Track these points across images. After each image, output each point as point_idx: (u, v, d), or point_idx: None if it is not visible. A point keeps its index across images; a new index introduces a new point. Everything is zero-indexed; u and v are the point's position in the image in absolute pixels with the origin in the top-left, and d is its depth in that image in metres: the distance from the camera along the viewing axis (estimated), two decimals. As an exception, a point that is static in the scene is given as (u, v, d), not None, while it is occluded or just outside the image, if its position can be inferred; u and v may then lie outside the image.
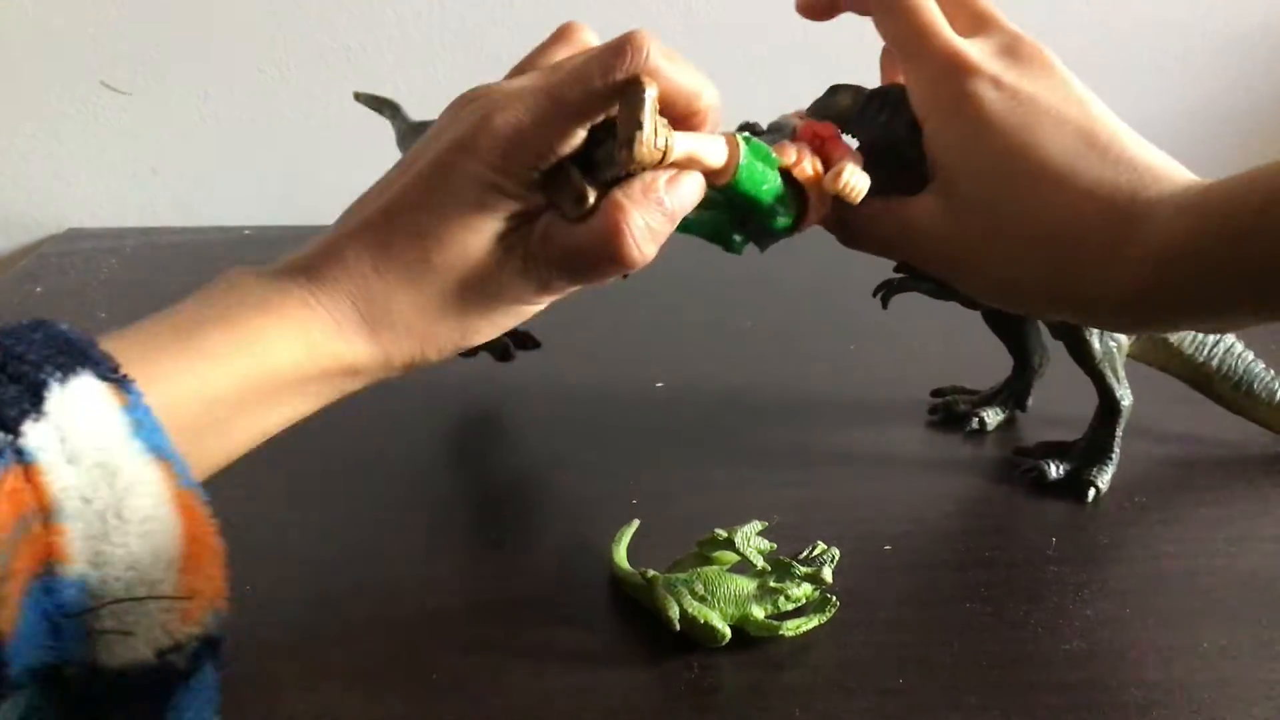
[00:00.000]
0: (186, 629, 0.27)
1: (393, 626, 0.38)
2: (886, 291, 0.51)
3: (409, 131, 0.56)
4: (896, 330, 0.63)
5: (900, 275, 0.50)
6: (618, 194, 0.33)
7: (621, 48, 0.33)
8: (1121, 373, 0.47)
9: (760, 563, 0.39)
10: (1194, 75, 0.90)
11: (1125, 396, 0.47)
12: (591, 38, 0.38)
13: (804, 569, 0.38)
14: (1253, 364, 0.50)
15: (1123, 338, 0.47)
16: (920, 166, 0.38)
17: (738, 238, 0.38)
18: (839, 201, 0.37)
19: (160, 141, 0.84)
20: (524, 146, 0.33)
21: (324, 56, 0.83)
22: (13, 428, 0.26)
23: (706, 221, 0.37)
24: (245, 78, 0.83)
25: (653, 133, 0.31)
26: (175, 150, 0.84)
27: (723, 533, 0.40)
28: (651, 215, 0.33)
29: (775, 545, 0.40)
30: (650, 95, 0.31)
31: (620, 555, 0.40)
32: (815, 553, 0.40)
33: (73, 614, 0.26)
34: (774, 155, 0.36)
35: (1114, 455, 0.47)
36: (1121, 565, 0.42)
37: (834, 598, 0.38)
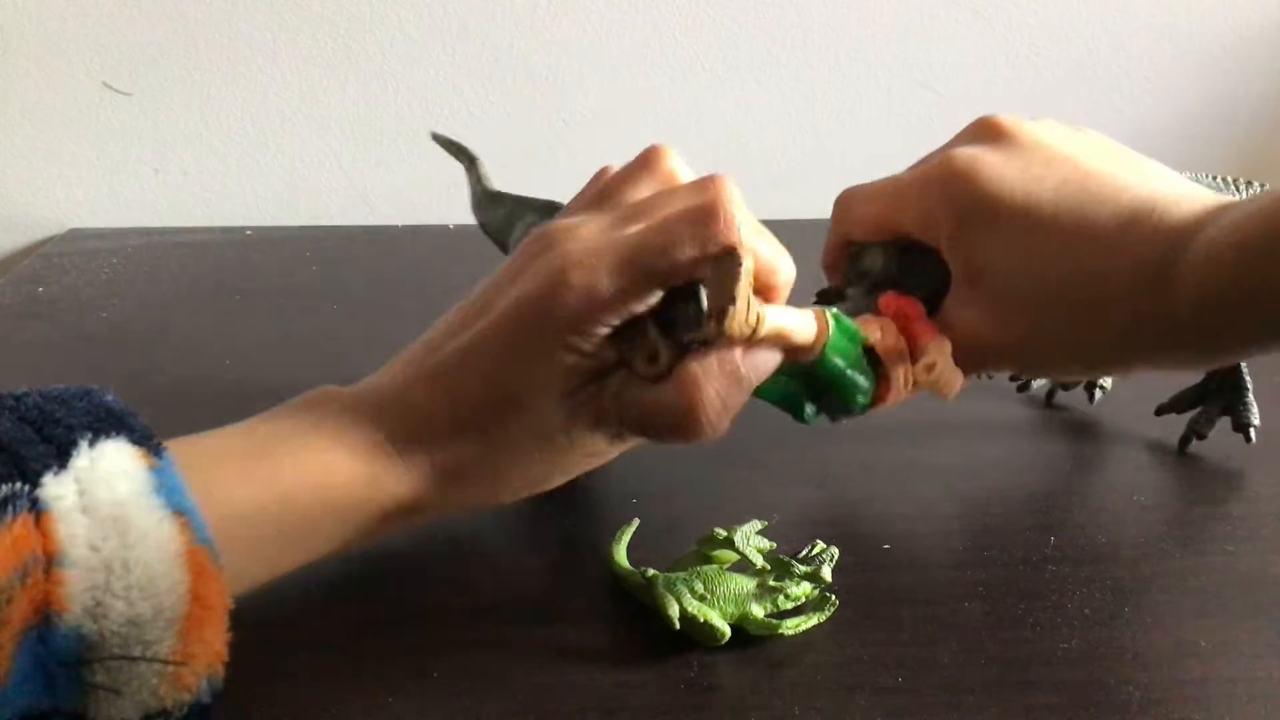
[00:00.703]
0: (177, 694, 0.27)
1: (392, 625, 0.38)
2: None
3: (485, 200, 0.54)
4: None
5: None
6: (695, 368, 0.32)
7: (713, 212, 0.31)
8: None
9: (760, 562, 0.39)
10: (1191, 77, 0.90)
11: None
12: (679, 167, 0.36)
13: (803, 568, 0.38)
14: None
15: None
16: None
17: (810, 409, 0.37)
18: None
19: (162, 142, 0.84)
20: (602, 310, 0.32)
21: (325, 57, 0.83)
22: (33, 479, 0.26)
23: (780, 388, 0.36)
24: (247, 79, 0.83)
25: (745, 308, 0.30)
26: (177, 151, 0.85)
27: (722, 532, 0.40)
28: (729, 390, 0.32)
29: (775, 544, 0.40)
30: (746, 269, 0.30)
31: (620, 554, 0.40)
32: (814, 552, 0.40)
33: (66, 663, 0.26)
34: (859, 331, 0.35)
35: (1247, 384, 0.48)
36: (1120, 565, 0.42)
37: (833, 597, 0.38)
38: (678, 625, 0.36)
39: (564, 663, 0.36)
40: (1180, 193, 0.36)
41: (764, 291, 0.34)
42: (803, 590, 0.38)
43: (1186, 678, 0.36)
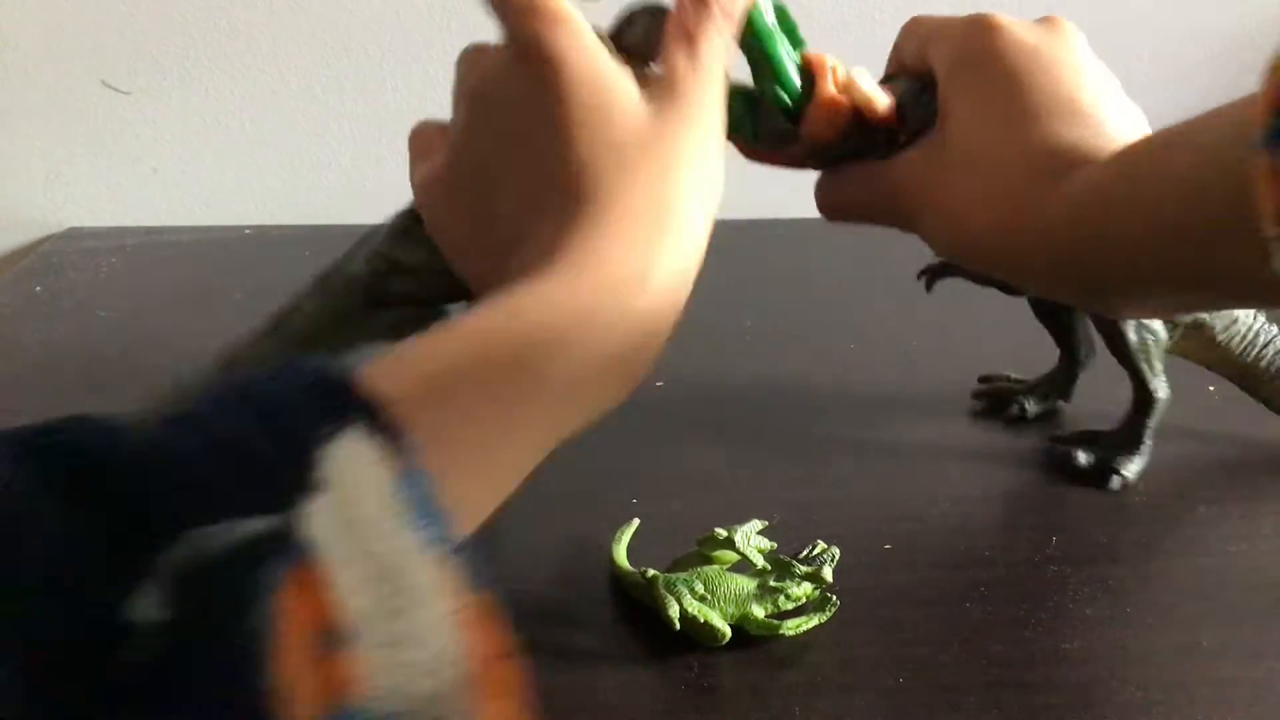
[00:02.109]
0: None
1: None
2: (930, 276, 0.51)
3: None
4: (898, 329, 0.63)
5: (941, 261, 0.50)
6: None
7: None
8: (1158, 365, 0.47)
9: (760, 562, 0.39)
10: (1193, 77, 0.90)
11: (1160, 389, 0.47)
12: None
13: (804, 568, 0.38)
14: None
15: (1160, 331, 0.47)
16: None
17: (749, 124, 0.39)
18: (827, 163, 0.40)
19: (161, 141, 0.84)
20: None
21: (325, 56, 0.83)
22: (289, 507, 0.22)
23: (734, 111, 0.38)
24: (246, 77, 0.83)
25: None
26: (176, 150, 0.84)
27: (723, 532, 0.40)
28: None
29: (775, 544, 0.40)
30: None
31: (620, 554, 0.40)
32: (815, 552, 0.40)
33: None
34: (801, 38, 0.39)
35: (1145, 446, 0.48)
36: (1121, 565, 0.42)
37: (834, 597, 0.38)
38: (678, 625, 0.36)
39: (564, 663, 0.36)
40: (1118, 129, 0.37)
41: None
42: (803, 590, 0.38)
43: (1188, 679, 0.36)
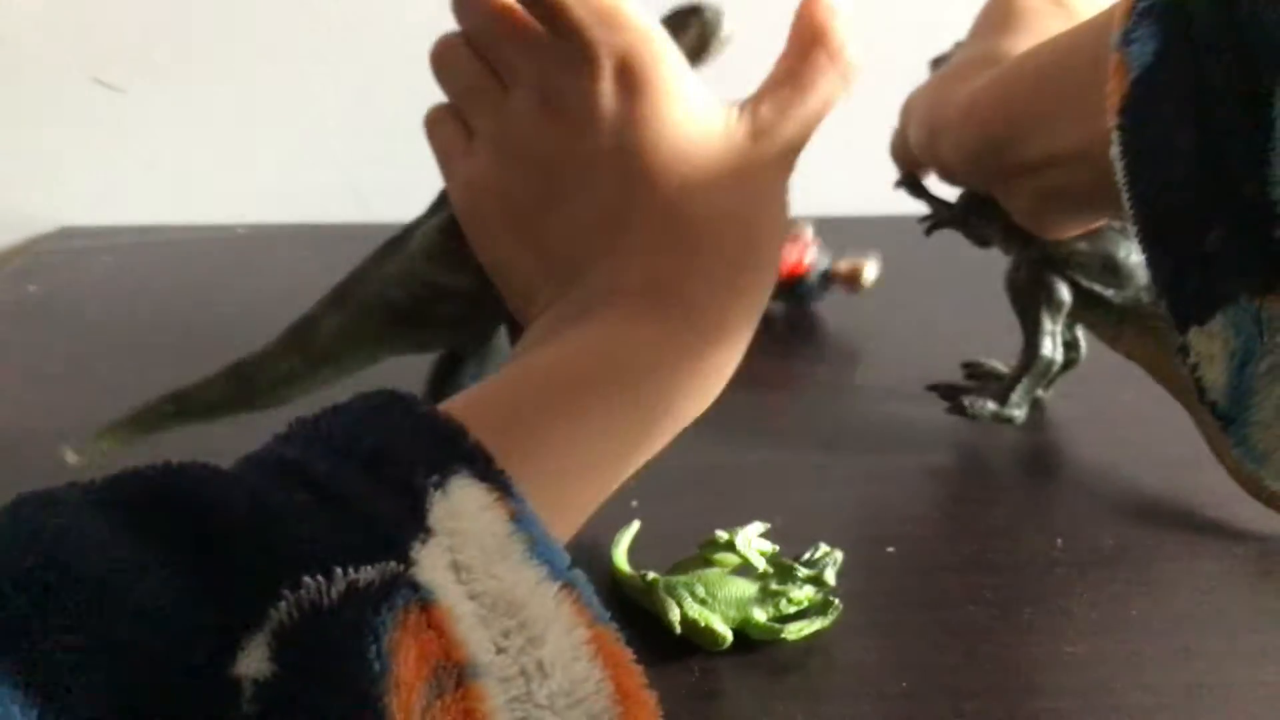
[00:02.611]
0: None
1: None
2: (930, 225, 0.51)
3: None
4: (899, 331, 0.63)
5: (905, 183, 0.51)
6: None
7: None
8: (1050, 326, 0.48)
9: (762, 565, 0.38)
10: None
11: (1046, 349, 0.48)
12: None
13: (806, 571, 0.38)
14: None
15: (1063, 292, 0.47)
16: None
17: None
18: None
19: (154, 139, 0.84)
20: None
21: (320, 54, 0.83)
22: (403, 553, 0.22)
23: None
24: (241, 75, 0.83)
25: None
26: (170, 148, 0.84)
27: (724, 535, 0.39)
28: None
29: (777, 547, 0.40)
30: None
31: (620, 557, 0.40)
32: (817, 555, 0.40)
33: None
34: None
35: (1013, 401, 0.49)
36: (1125, 568, 0.41)
37: (836, 600, 0.38)
38: (679, 629, 0.36)
39: (564, 668, 0.36)
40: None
41: None
42: (805, 594, 0.38)
43: (1194, 682, 0.35)
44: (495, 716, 0.21)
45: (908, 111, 0.46)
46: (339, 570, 0.21)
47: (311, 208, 0.85)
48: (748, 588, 0.37)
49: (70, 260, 0.75)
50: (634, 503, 0.45)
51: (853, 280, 0.61)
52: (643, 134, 0.33)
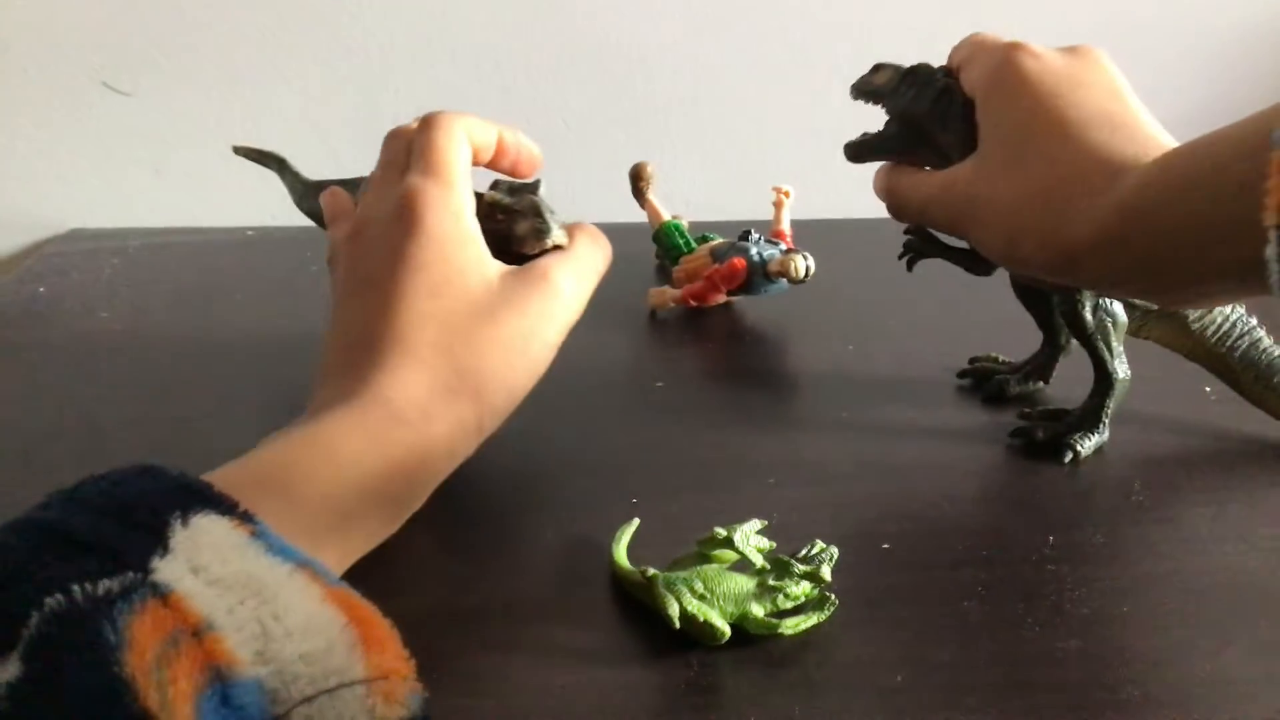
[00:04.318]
0: (393, 711, 0.25)
1: (393, 625, 0.38)
2: (910, 256, 0.52)
3: (309, 190, 0.60)
4: (896, 331, 0.64)
5: (910, 236, 0.52)
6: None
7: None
8: (1117, 346, 0.49)
9: (760, 561, 0.39)
10: (1195, 76, 0.90)
11: (1120, 370, 0.49)
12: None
13: (803, 567, 0.38)
14: (1277, 358, 0.50)
15: (1119, 313, 0.49)
16: (936, 141, 0.46)
17: None
18: (889, 170, 0.49)
19: (163, 142, 0.84)
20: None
21: (326, 57, 0.83)
22: (141, 567, 0.25)
23: None
24: (247, 78, 0.83)
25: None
26: (178, 151, 0.85)
27: (722, 531, 0.40)
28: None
29: (774, 544, 0.40)
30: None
31: (620, 554, 0.41)
32: (814, 551, 0.41)
33: None
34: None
35: (1102, 426, 0.50)
36: (1119, 564, 0.42)
37: (833, 596, 0.38)
38: (678, 624, 0.37)
39: (564, 663, 0.36)
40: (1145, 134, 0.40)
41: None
42: (802, 590, 0.38)
43: (1187, 678, 0.36)
44: (237, 651, 0.24)
45: (945, 206, 0.45)
46: (77, 588, 0.24)
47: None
48: (746, 583, 0.38)
49: (79, 262, 0.75)
50: (634, 500, 0.45)
51: (786, 277, 0.62)
52: (399, 264, 0.40)
